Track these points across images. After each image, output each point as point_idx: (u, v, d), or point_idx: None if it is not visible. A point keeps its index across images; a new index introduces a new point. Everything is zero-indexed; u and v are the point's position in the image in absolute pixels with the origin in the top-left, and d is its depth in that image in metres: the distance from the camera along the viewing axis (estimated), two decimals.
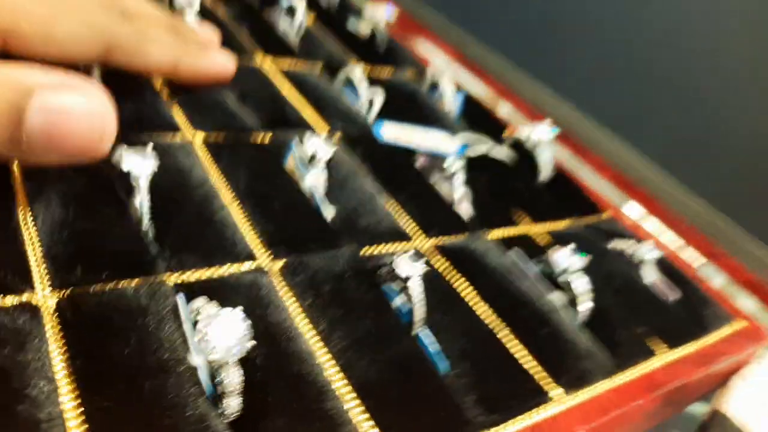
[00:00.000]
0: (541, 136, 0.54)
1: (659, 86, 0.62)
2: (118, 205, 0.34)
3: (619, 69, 0.67)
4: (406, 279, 0.34)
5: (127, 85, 0.42)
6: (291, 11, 0.64)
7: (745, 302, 0.51)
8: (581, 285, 0.41)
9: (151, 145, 0.34)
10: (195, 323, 0.28)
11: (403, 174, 0.48)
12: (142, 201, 0.33)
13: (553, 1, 0.69)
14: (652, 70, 0.62)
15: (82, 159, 0.30)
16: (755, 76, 0.55)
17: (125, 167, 0.33)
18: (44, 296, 0.28)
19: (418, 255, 0.37)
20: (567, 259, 0.41)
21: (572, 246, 0.42)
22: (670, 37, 0.61)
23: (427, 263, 0.37)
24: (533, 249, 0.46)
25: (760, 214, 0.55)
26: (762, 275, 0.53)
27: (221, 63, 0.45)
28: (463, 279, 0.39)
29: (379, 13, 0.69)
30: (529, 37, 0.72)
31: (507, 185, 0.53)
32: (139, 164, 0.33)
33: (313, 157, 0.41)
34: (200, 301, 0.28)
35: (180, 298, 0.30)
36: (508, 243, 0.45)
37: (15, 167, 0.33)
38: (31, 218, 0.31)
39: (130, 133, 0.39)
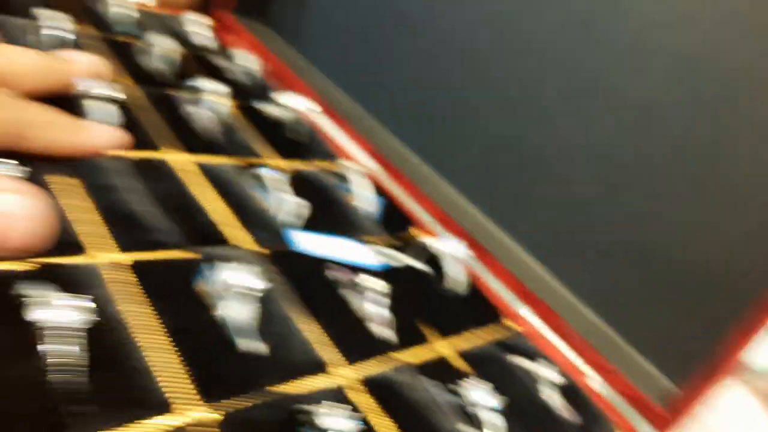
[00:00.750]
0: (450, 250, 0.57)
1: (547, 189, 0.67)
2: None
3: (504, 163, 0.71)
4: None
5: None
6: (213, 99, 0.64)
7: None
8: (490, 419, 0.43)
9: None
10: None
11: (321, 293, 0.49)
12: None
13: (453, 92, 0.73)
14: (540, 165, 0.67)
15: (22, 256, 0.33)
16: (633, 178, 0.61)
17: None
18: None
19: (345, 406, 0.38)
20: (483, 398, 0.43)
21: (488, 386, 0.45)
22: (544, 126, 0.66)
23: (354, 415, 0.37)
24: (447, 373, 0.48)
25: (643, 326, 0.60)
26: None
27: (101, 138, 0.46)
28: (388, 418, 0.40)
29: (298, 102, 0.70)
30: (436, 133, 0.76)
31: (419, 298, 0.55)
32: (65, 316, 0.32)
33: (242, 288, 0.41)
34: None
35: None
36: (425, 368, 0.47)
37: None
38: None
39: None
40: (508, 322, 0.59)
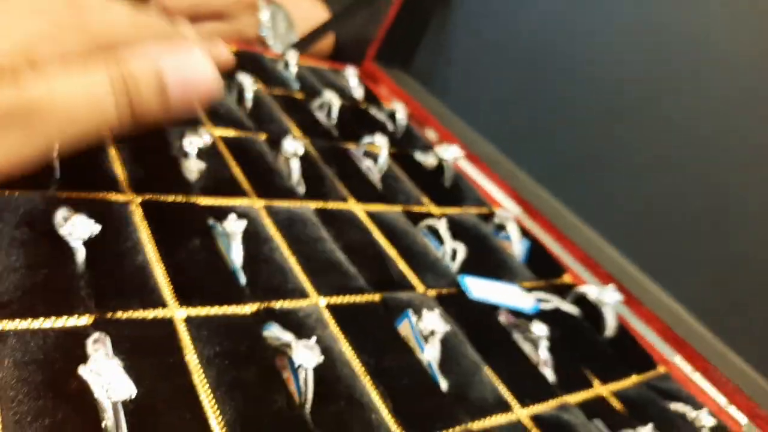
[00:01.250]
0: (609, 299, 0.59)
1: (705, 240, 0.68)
2: (282, 392, 0.38)
3: (664, 217, 0.73)
4: None
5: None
6: (372, 149, 0.70)
7: None
8: None
9: (314, 339, 0.39)
10: None
11: (494, 337, 0.53)
12: (308, 390, 0.37)
13: (606, 147, 0.76)
14: (699, 222, 0.68)
15: (207, 102, 0.37)
16: None
17: (296, 361, 0.37)
18: None
19: None
20: None
21: (651, 426, 0.47)
22: (713, 184, 0.67)
23: None
24: (610, 415, 0.51)
25: None
26: None
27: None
28: None
29: (449, 152, 0.75)
30: (580, 181, 0.79)
31: (577, 342, 0.58)
32: (307, 357, 0.38)
33: (433, 332, 0.46)
34: None
35: None
36: (587, 408, 0.50)
37: None
38: (215, 411, 0.35)
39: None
40: (661, 369, 0.61)
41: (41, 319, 0.36)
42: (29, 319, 0.36)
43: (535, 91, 0.85)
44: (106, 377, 0.31)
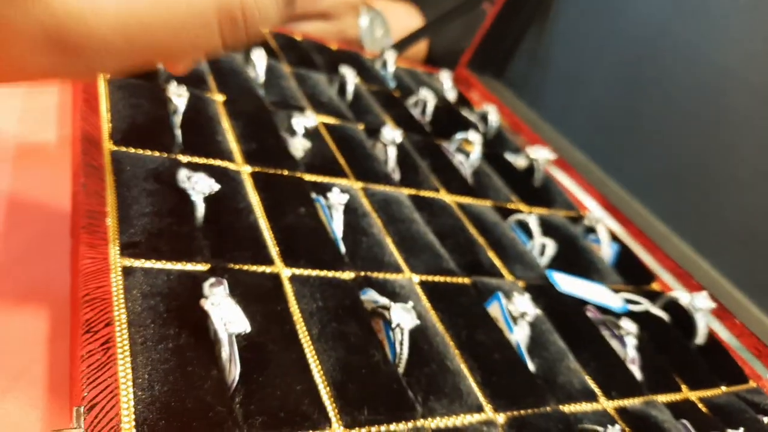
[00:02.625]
0: (701, 305, 0.58)
1: None
2: (380, 349, 0.40)
3: (760, 231, 0.70)
4: None
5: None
6: (464, 146, 0.72)
7: None
8: None
9: (410, 303, 0.40)
10: None
11: (582, 328, 0.53)
12: (403, 350, 0.39)
13: (703, 158, 0.74)
14: None
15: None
16: None
17: (394, 320, 0.39)
18: None
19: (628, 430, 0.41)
20: None
21: (742, 430, 0.46)
22: None
23: None
24: (697, 417, 0.50)
25: None
26: None
27: None
28: None
29: (540, 153, 0.76)
30: (673, 191, 0.77)
31: (666, 346, 0.57)
32: (404, 318, 0.39)
33: (523, 314, 0.46)
34: None
35: None
36: (673, 409, 0.49)
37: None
38: (316, 358, 0.38)
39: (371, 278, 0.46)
40: (752, 384, 0.59)
41: (165, 261, 0.39)
42: (154, 260, 0.39)
43: (630, 100, 0.84)
44: (225, 311, 0.34)
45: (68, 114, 0.54)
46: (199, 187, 0.43)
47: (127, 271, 0.37)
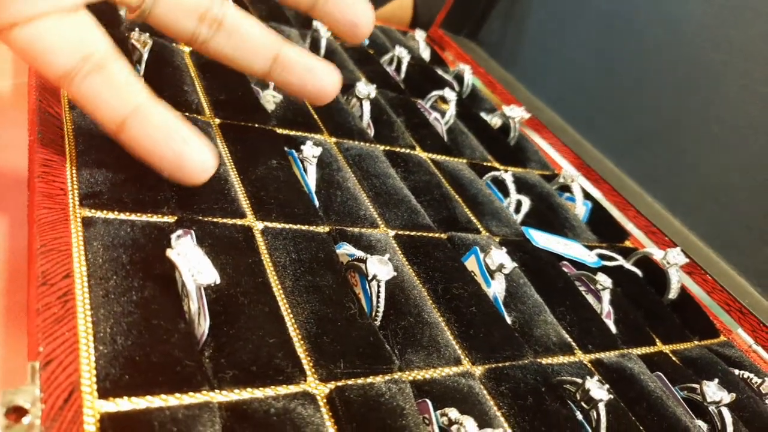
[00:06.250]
0: (674, 260, 0.58)
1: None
2: (355, 302, 0.39)
3: (731, 189, 0.71)
4: (592, 404, 0.38)
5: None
6: (439, 105, 0.70)
7: None
8: (728, 418, 0.45)
9: (387, 255, 0.39)
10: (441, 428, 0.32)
11: (558, 282, 0.52)
12: (380, 303, 0.38)
13: (676, 116, 0.74)
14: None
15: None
16: None
17: (371, 272, 0.38)
18: (317, 385, 0.33)
19: (602, 383, 0.41)
20: (718, 393, 0.45)
21: (717, 381, 0.46)
22: None
23: (608, 391, 0.40)
24: (671, 369, 0.50)
25: None
26: None
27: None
28: (624, 400, 0.43)
29: (515, 112, 0.75)
30: (647, 150, 0.77)
31: (640, 301, 0.57)
32: (381, 270, 0.38)
33: (500, 266, 0.46)
34: (452, 412, 0.33)
35: (429, 403, 0.34)
36: (648, 362, 0.50)
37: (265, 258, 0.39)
38: (289, 311, 0.36)
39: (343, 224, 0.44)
40: (723, 338, 0.60)
41: (128, 212, 0.37)
42: (117, 212, 0.37)
43: (605, 61, 0.83)
44: (193, 261, 0.32)
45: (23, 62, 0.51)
46: None
47: (87, 222, 0.35)
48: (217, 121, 0.49)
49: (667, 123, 0.76)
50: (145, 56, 0.49)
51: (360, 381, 0.34)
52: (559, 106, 0.88)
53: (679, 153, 0.74)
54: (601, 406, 0.38)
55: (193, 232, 0.36)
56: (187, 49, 0.57)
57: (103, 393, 0.27)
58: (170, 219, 0.38)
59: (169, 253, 0.33)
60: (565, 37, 0.89)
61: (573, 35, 0.88)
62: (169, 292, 0.33)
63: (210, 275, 0.32)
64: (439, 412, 0.33)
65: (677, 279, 0.59)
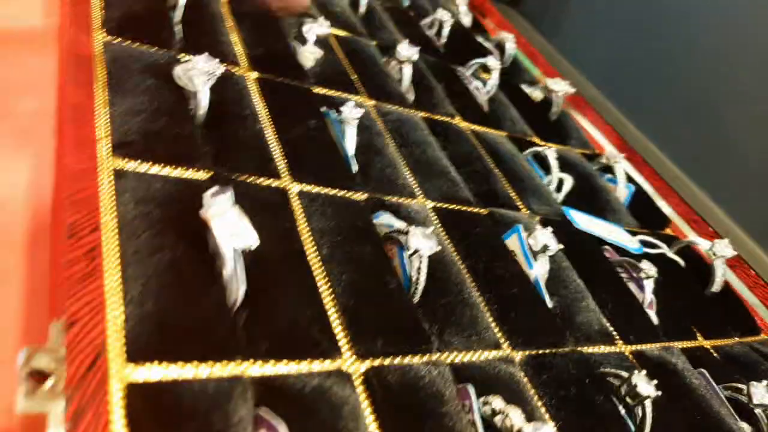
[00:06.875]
0: (722, 253, 0.55)
1: None
2: (394, 276, 0.36)
3: None
4: (639, 400, 0.36)
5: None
6: (480, 73, 0.67)
7: None
8: None
9: (431, 228, 0.37)
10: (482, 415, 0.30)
11: (600, 268, 0.50)
12: (420, 278, 0.36)
13: (723, 102, 0.71)
14: None
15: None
16: None
17: (412, 245, 0.35)
18: (353, 362, 0.31)
19: (649, 378, 0.38)
20: (766, 396, 0.42)
21: (766, 383, 0.44)
22: None
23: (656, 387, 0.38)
24: (714, 367, 0.48)
25: None
26: None
27: None
28: (666, 397, 0.41)
29: (559, 86, 0.71)
30: (692, 137, 0.74)
31: (682, 292, 0.54)
32: (423, 243, 0.36)
33: (545, 248, 0.43)
34: (496, 401, 0.31)
35: (471, 389, 0.32)
36: (689, 356, 0.47)
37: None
38: (326, 281, 0.34)
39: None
40: (764, 336, 0.57)
41: (161, 165, 0.35)
42: (150, 163, 0.35)
43: (652, 39, 0.79)
44: (230, 222, 0.30)
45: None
46: (200, 66, 0.38)
47: (119, 174, 0.33)
48: (254, 75, 0.47)
49: (713, 109, 0.73)
50: (182, 2, 0.46)
51: (397, 361, 0.32)
52: (602, 82, 0.85)
53: (726, 139, 0.71)
54: (648, 403, 0.36)
55: (231, 190, 0.34)
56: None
57: (131, 357, 0.25)
58: (205, 175, 0.36)
59: (204, 212, 0.30)
60: (614, 11, 0.85)
61: (621, 10, 0.84)
62: (202, 252, 0.31)
63: (248, 238, 0.30)
64: (481, 399, 0.31)
65: (722, 272, 0.56)
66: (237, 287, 0.30)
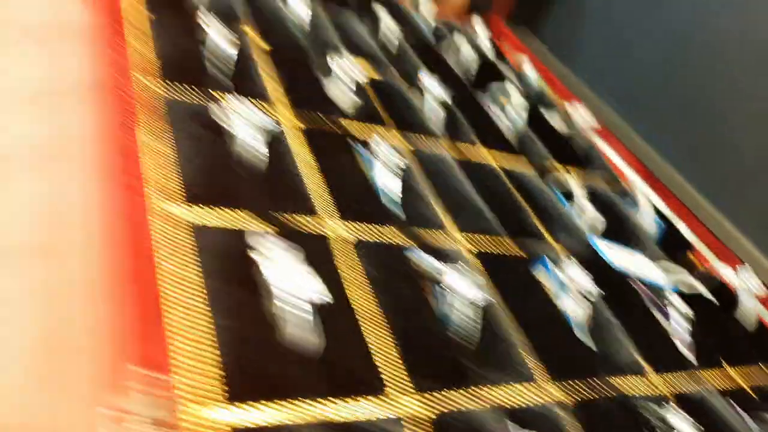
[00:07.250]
0: (749, 285, 0.55)
1: None
2: (431, 313, 0.37)
3: None
4: None
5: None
6: (500, 99, 0.67)
7: None
8: None
9: (467, 269, 0.37)
10: None
11: (631, 302, 0.50)
12: (459, 316, 0.36)
13: (750, 133, 0.71)
14: None
15: None
16: None
17: (451, 286, 0.36)
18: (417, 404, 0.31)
19: (684, 414, 0.38)
20: None
21: None
22: None
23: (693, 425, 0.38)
24: (745, 400, 0.47)
25: None
26: None
27: None
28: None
29: (582, 118, 0.71)
30: (718, 165, 0.74)
31: (716, 329, 0.54)
32: (461, 284, 0.36)
33: (588, 293, 0.44)
34: None
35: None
36: (725, 394, 0.47)
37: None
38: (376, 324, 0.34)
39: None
40: None
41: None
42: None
43: (675, 66, 0.80)
44: (297, 278, 0.31)
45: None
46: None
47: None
48: (300, 124, 0.47)
49: (735, 137, 0.73)
50: (212, 36, 0.47)
51: (437, 395, 0.32)
52: (621, 107, 0.85)
53: (750, 170, 0.71)
54: None
55: (300, 248, 0.34)
56: (253, 33, 0.55)
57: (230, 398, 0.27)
58: (265, 227, 0.37)
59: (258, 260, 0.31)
60: (633, 37, 0.86)
61: (641, 36, 0.84)
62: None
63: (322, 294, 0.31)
64: None
65: (751, 304, 0.56)
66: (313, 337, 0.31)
